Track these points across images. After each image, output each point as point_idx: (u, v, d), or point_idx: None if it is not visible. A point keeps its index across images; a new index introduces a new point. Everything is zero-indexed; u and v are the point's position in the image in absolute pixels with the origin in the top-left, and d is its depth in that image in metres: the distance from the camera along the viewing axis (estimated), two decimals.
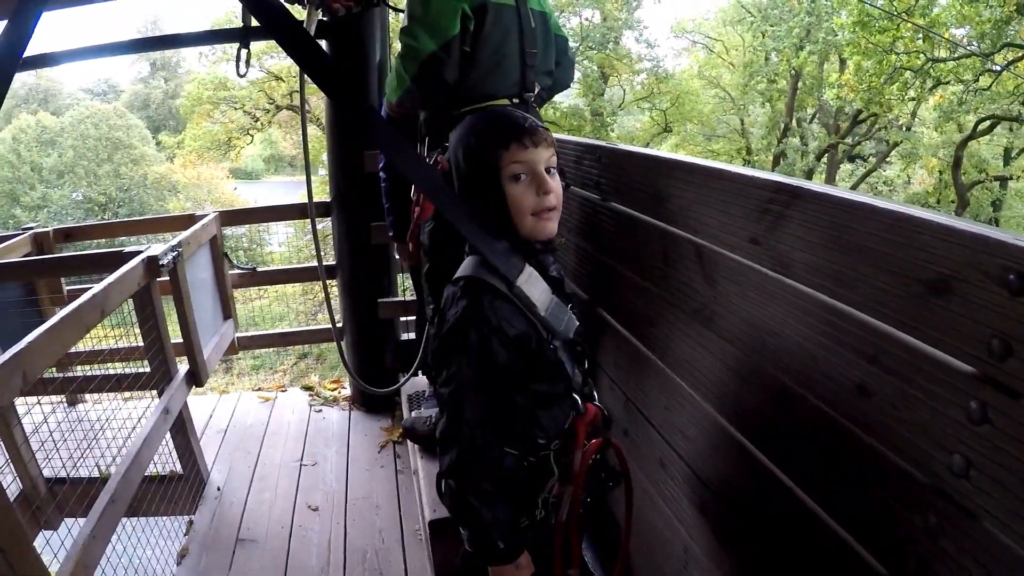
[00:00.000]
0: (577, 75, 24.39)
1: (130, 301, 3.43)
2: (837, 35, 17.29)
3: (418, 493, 3.46)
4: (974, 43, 16.09)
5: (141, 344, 3.63)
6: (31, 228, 4.73)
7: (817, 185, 1.46)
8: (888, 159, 23.09)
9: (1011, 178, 21.75)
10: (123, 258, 3.38)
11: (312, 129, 24.51)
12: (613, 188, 2.44)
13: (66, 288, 4.77)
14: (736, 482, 1.81)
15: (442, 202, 1.82)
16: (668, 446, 2.18)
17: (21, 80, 31.01)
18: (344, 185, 4.45)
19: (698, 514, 2.02)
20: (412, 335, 4.57)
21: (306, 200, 4.19)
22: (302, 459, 3.11)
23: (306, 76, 3.46)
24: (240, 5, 2.98)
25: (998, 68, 16.25)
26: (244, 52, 3.78)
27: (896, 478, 1.24)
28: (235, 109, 23.78)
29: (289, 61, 21.51)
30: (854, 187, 21.93)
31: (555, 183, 1.81)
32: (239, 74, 3.91)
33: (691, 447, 2.05)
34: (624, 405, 2.49)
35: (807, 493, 1.50)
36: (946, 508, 1.14)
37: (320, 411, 4.99)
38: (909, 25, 15.49)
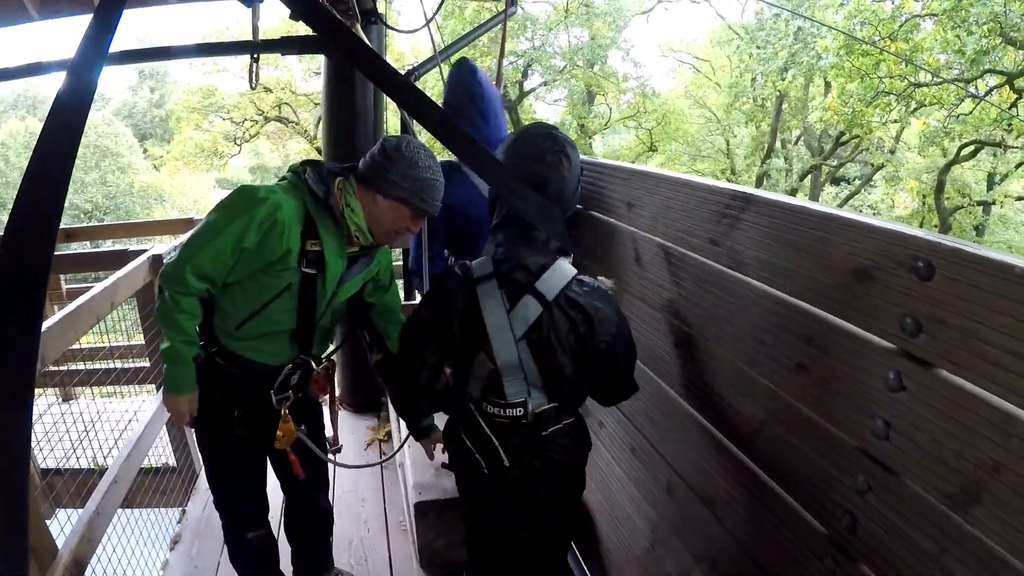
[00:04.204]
0: (563, 93, 24.50)
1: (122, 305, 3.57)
2: (822, 59, 17.44)
3: (403, 482, 3.61)
4: (957, 68, 16.31)
5: (140, 342, 3.75)
6: None
7: (765, 192, 1.66)
8: (872, 182, 23.32)
9: (994, 203, 21.96)
10: (128, 256, 3.53)
11: (300, 142, 24.57)
12: (592, 198, 2.63)
13: (65, 287, 4.90)
14: (698, 462, 2.00)
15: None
16: (639, 433, 2.37)
17: (9, 87, 30.86)
18: None
19: (665, 494, 2.21)
20: None
21: None
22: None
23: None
24: (229, 20, 3.12)
25: (980, 94, 16.52)
26: (255, 65, 3.90)
27: (830, 445, 1.43)
28: (223, 120, 23.82)
29: (277, 73, 21.62)
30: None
31: None
32: (251, 86, 4.06)
33: (658, 432, 2.24)
34: None
35: (760, 466, 1.70)
36: (871, 468, 1.32)
37: None
38: (892, 48, 15.74)
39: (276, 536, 2.94)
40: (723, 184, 1.86)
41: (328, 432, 2.92)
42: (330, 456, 2.83)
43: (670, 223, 2.06)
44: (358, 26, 3.85)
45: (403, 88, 1.64)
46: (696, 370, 1.98)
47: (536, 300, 1.99)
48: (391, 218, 2.31)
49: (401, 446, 3.36)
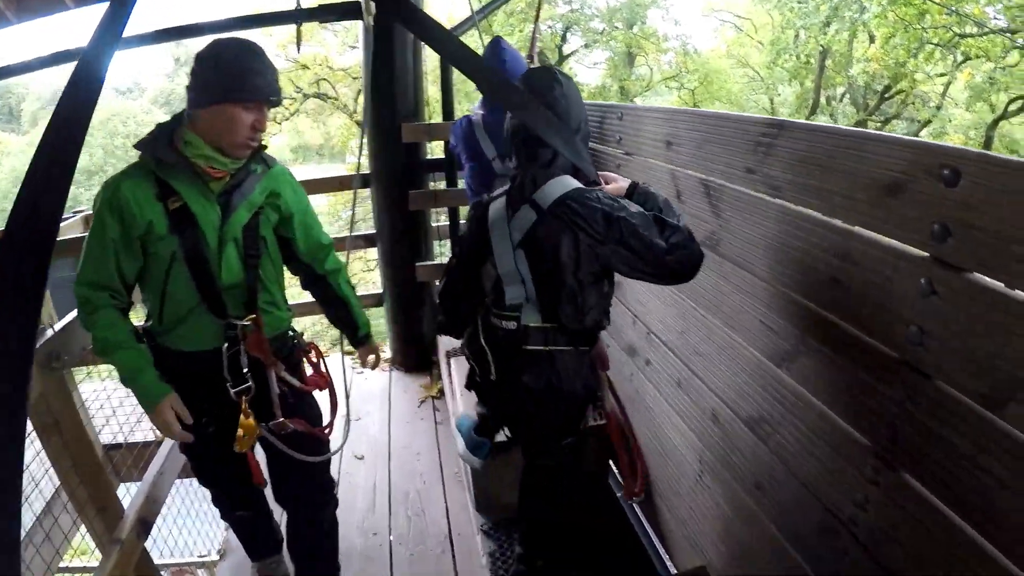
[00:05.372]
0: (605, 55, 24.15)
1: None
2: (866, 10, 16.98)
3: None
4: (1002, 18, 15.82)
5: None
6: (81, 211, 5.00)
7: (797, 121, 1.71)
8: (919, 138, 22.85)
9: None
10: None
11: (340, 118, 24.59)
12: (632, 143, 2.68)
13: None
14: (741, 386, 2.06)
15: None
16: (684, 366, 2.43)
17: (46, 81, 31.17)
18: (383, 157, 4.61)
19: (711, 423, 2.27)
20: None
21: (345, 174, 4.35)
22: (348, 415, 3.33)
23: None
24: None
25: None
26: (299, 32, 3.93)
27: (867, 355, 1.48)
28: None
29: (314, 49, 21.65)
30: None
31: None
32: (298, 51, 4.11)
33: (702, 363, 2.30)
34: (646, 337, 2.74)
35: (801, 384, 1.75)
36: (908, 376, 1.37)
37: (362, 372, 5.17)
38: None
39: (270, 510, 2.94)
40: (757, 115, 1.91)
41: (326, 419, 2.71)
42: (303, 455, 2.53)
43: (708, 157, 2.11)
44: None
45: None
46: (737, 297, 2.03)
47: (532, 209, 2.12)
48: (225, 125, 2.17)
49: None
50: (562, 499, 2.49)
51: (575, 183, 2.12)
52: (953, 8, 15.11)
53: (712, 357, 2.23)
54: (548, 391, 2.21)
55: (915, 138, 1.34)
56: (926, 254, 1.29)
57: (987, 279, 1.19)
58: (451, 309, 2.47)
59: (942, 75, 18.65)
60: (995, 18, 15.94)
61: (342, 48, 22.03)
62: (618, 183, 2.19)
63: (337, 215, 17.08)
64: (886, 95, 20.78)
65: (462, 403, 3.48)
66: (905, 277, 1.34)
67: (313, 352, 2.64)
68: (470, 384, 2.52)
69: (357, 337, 2.73)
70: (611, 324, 2.37)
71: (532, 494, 2.58)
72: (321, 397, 2.66)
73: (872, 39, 18.58)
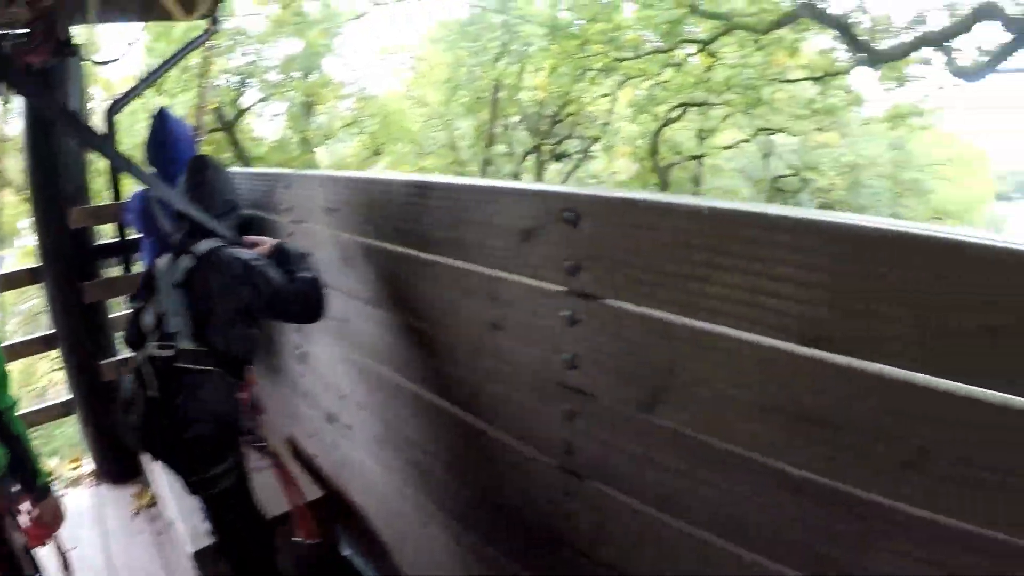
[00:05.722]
0: (283, 107, 23.89)
1: None
2: (531, 45, 18.29)
3: (179, 537, 3.49)
4: (659, 41, 17.83)
5: None
6: None
7: (442, 177, 1.85)
8: (592, 153, 24.77)
9: (704, 156, 24.39)
10: None
11: (7, 196, 22.32)
12: (301, 210, 2.76)
13: None
14: (432, 431, 2.20)
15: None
16: (378, 421, 2.54)
17: None
18: (52, 245, 4.13)
19: (415, 471, 2.37)
20: None
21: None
22: (59, 546, 2.96)
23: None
24: None
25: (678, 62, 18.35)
26: None
27: (533, 385, 1.62)
28: None
29: None
30: (562, 183, 23.53)
31: None
32: None
33: (395, 415, 2.43)
34: (340, 401, 2.82)
35: (484, 421, 1.88)
36: (571, 396, 1.52)
37: (66, 494, 4.71)
38: (597, 29, 16.92)
39: None
40: (405, 177, 2.04)
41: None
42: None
43: (365, 220, 2.23)
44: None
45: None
46: (411, 351, 2.16)
47: (190, 257, 2.53)
48: None
49: None
50: (237, 529, 2.71)
51: (224, 240, 2.60)
52: (611, 36, 16.81)
53: (402, 410, 2.32)
54: (198, 408, 2.43)
55: (541, 186, 1.51)
56: (564, 288, 1.45)
57: (620, 303, 1.36)
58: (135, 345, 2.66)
59: (607, 95, 20.56)
60: (650, 40, 17.87)
61: (5, 114, 20.11)
62: (265, 244, 2.66)
63: (10, 311, 15.24)
64: (557, 119, 22.43)
65: (178, 508, 3.28)
66: (551, 311, 1.49)
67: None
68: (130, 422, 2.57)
69: (36, 487, 2.35)
70: (309, 395, 2.65)
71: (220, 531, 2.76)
72: None
73: (540, 70, 20.02)
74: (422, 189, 1.87)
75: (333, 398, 2.86)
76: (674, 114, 21.04)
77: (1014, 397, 0.95)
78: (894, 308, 1.02)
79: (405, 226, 1.98)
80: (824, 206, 27.33)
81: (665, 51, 17.66)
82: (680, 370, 1.29)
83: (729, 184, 25.66)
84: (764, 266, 1.13)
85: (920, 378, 1.01)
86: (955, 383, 0.98)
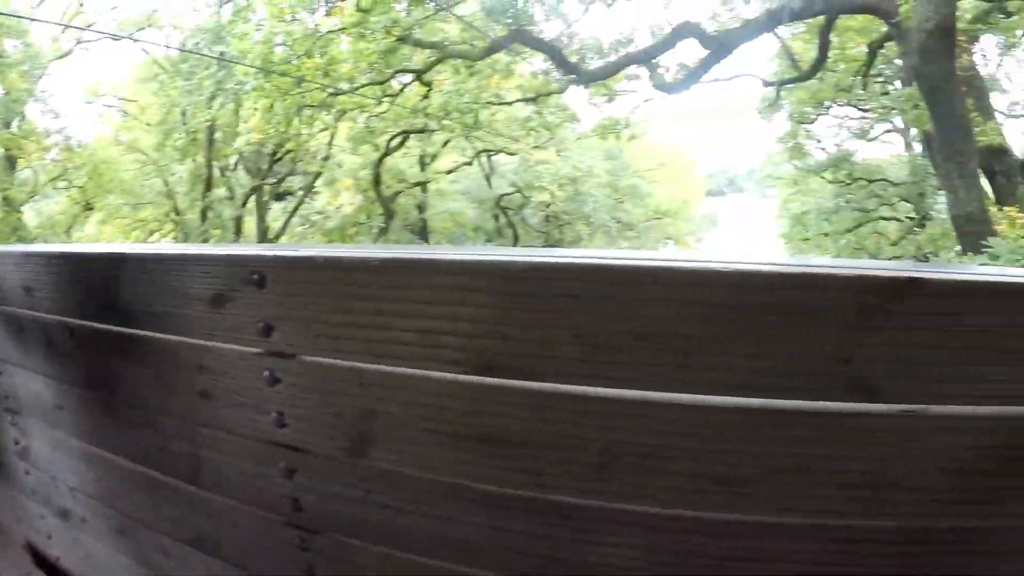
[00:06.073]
0: None
1: None
2: (245, 83, 17.79)
3: None
4: (371, 73, 17.98)
5: None
6: None
7: (134, 251, 1.80)
8: (315, 189, 24.64)
9: (428, 182, 25.13)
10: None
11: None
12: None
13: None
14: (170, 516, 2.09)
15: None
16: (112, 510, 2.40)
17: None
18: None
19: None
20: None
21: None
22: None
23: None
24: None
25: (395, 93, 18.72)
26: None
27: (250, 446, 1.62)
28: None
29: None
30: (287, 222, 23.29)
31: None
32: None
33: (132, 504, 2.30)
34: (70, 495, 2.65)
35: (206, 490, 1.84)
36: (285, 454, 1.53)
37: None
38: (311, 65, 16.80)
39: None
40: (100, 250, 1.96)
41: None
42: None
43: (67, 298, 2.09)
44: None
45: None
46: (131, 431, 2.05)
47: None
48: None
49: None
50: None
51: None
52: (326, 71, 16.80)
53: (131, 493, 2.23)
54: None
55: (227, 250, 1.52)
56: (261, 350, 1.46)
57: (314, 357, 1.39)
58: None
59: (325, 129, 20.54)
60: (366, 73, 18.02)
61: None
62: None
63: None
64: (277, 158, 22.08)
65: None
66: (252, 373, 1.50)
67: None
68: None
69: None
70: (38, 492, 2.51)
71: None
72: None
73: (256, 109, 19.55)
74: (116, 262, 1.80)
75: (63, 491, 2.68)
76: (394, 143, 21.66)
77: (670, 393, 1.09)
78: (554, 331, 1.14)
79: (107, 301, 1.88)
80: (549, 218, 29.69)
81: (381, 82, 18.02)
82: (378, 414, 1.35)
83: (455, 207, 26.81)
84: (432, 308, 1.22)
85: (589, 389, 1.13)
86: (620, 389, 1.11)
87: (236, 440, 1.64)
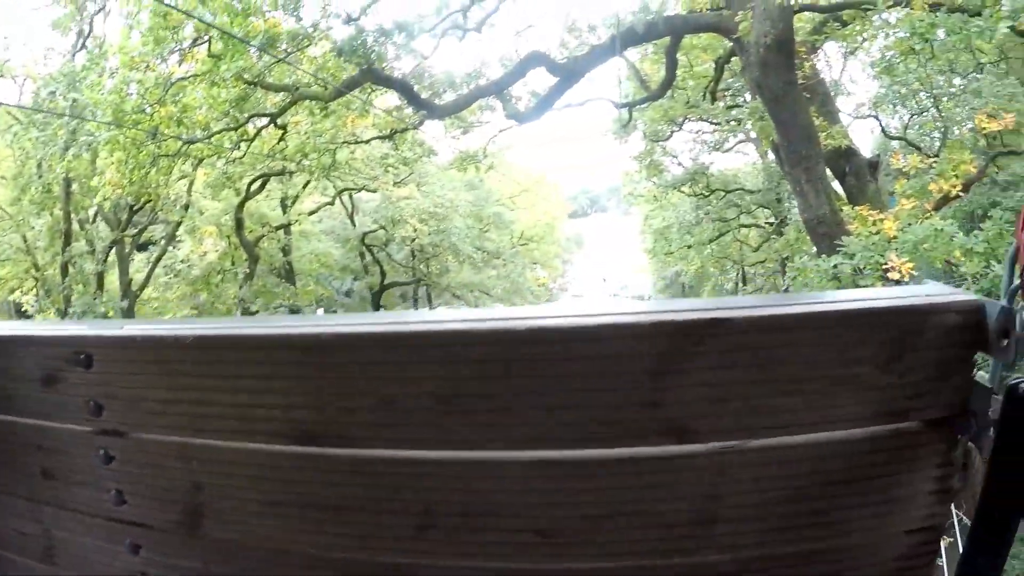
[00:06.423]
0: None
1: None
2: (99, 135, 17.13)
3: None
4: (225, 120, 17.81)
5: None
6: None
7: None
8: (178, 237, 24.08)
9: (291, 224, 25.01)
10: None
11: None
12: None
13: None
14: None
15: None
16: None
17: None
18: None
19: None
20: None
21: None
22: None
23: None
24: None
25: (250, 137, 18.68)
26: None
27: (95, 525, 1.60)
28: None
29: None
30: (150, 273, 22.48)
31: None
32: None
33: None
34: None
35: (47, 564, 1.82)
36: (130, 529, 1.52)
37: None
38: (164, 113, 16.50)
39: None
40: None
41: None
42: None
43: None
44: None
45: None
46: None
47: None
48: None
49: None
50: None
51: None
52: (179, 119, 16.61)
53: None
54: None
55: (54, 330, 1.52)
56: (93, 429, 1.46)
57: (142, 434, 1.41)
58: None
59: (183, 177, 20.22)
60: (220, 119, 17.82)
61: None
62: None
63: None
64: (136, 208, 21.52)
65: None
66: (88, 452, 1.49)
67: None
68: None
69: None
70: None
71: None
72: None
73: (110, 161, 18.83)
74: None
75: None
76: (254, 187, 21.48)
77: (480, 452, 1.13)
78: (362, 398, 1.18)
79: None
80: (415, 253, 29.97)
81: (236, 127, 17.85)
82: (205, 486, 1.37)
83: (320, 248, 26.84)
84: (245, 381, 1.25)
85: (399, 453, 1.17)
86: (429, 451, 1.15)
87: (82, 518, 1.63)
